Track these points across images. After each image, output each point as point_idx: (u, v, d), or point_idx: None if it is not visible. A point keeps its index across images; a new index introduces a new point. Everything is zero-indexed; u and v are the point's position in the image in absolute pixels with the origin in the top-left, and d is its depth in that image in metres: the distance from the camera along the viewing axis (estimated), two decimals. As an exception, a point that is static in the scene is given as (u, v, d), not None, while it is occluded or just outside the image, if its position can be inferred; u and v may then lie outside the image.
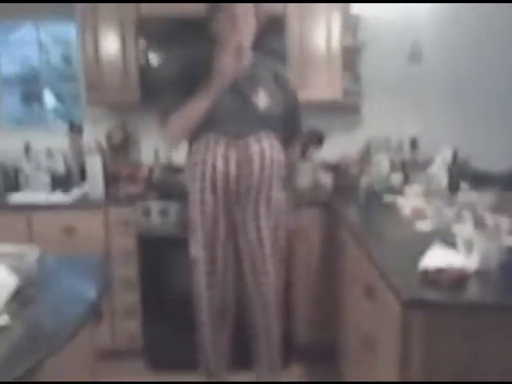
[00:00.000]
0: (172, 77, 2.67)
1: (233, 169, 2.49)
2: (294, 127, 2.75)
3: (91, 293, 1.85)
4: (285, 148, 2.68)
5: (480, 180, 2.93)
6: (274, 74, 2.63)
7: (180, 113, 2.49)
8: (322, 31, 3.31)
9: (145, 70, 3.28)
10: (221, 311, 2.72)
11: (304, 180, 3.45)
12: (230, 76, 2.42)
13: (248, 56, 2.52)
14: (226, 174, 2.50)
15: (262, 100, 2.53)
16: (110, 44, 3.35)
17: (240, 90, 2.50)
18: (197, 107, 2.47)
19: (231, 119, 2.50)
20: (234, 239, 2.63)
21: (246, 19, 2.46)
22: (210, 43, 2.54)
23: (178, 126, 2.56)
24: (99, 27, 3.33)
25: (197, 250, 2.62)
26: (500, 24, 3.56)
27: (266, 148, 2.54)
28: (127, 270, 3.22)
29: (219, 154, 2.49)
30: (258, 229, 2.59)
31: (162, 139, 2.79)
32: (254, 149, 2.51)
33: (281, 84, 2.62)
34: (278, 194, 2.66)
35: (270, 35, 3.20)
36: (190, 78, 2.50)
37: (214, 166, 2.50)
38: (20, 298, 1.68)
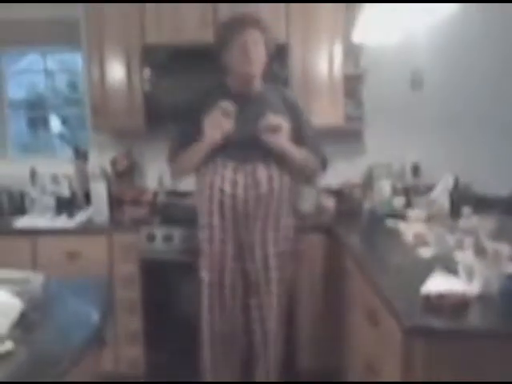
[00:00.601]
0: (182, 109, 2.73)
1: (240, 192, 2.51)
2: (310, 147, 2.72)
3: (95, 318, 1.86)
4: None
5: (481, 205, 2.95)
6: (283, 98, 2.65)
7: (185, 155, 2.59)
8: (324, 59, 3.37)
9: (150, 98, 3.33)
10: (227, 337, 2.71)
11: (307, 205, 3.47)
12: (218, 138, 2.48)
13: (258, 84, 2.59)
14: (234, 198, 2.52)
15: (271, 121, 2.53)
16: (116, 71, 3.41)
17: (249, 117, 2.51)
18: (197, 154, 2.56)
19: (240, 145, 2.51)
20: (242, 263, 2.64)
21: (257, 48, 2.49)
22: (219, 72, 2.61)
23: (183, 166, 2.67)
24: (105, 55, 3.39)
25: (205, 273, 2.64)
26: (501, 51, 3.60)
27: (275, 173, 2.56)
28: (130, 295, 3.23)
29: (227, 178, 2.52)
30: (266, 256, 2.61)
31: (169, 173, 2.87)
32: (262, 174, 2.53)
33: (290, 107, 2.64)
34: (287, 220, 2.68)
35: (274, 63, 3.25)
36: (200, 110, 2.55)
37: (221, 190, 2.52)
38: (24, 323, 1.69)
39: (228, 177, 2.52)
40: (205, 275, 2.64)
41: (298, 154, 2.63)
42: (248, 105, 2.54)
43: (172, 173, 2.81)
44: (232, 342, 2.74)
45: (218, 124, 2.47)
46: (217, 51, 2.56)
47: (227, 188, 2.52)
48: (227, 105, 2.49)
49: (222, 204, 2.54)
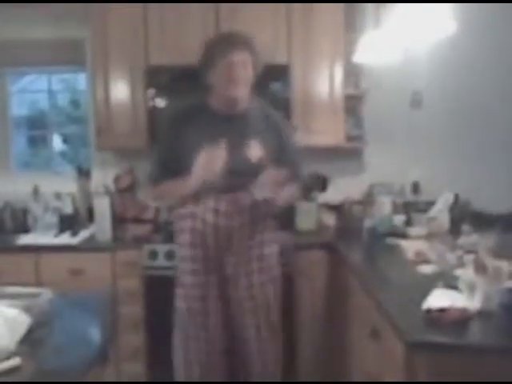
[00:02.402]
0: (161, 130, 2.65)
1: (223, 222, 2.41)
2: (290, 168, 2.47)
3: (98, 335, 1.88)
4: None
5: (481, 222, 2.98)
6: (267, 118, 2.50)
7: (169, 187, 2.47)
8: (325, 79, 3.42)
9: (153, 117, 3.37)
10: (208, 367, 2.56)
11: (307, 221, 3.49)
12: (207, 179, 2.32)
13: (243, 106, 2.44)
14: (216, 228, 2.42)
15: (253, 152, 2.39)
16: (120, 91, 3.46)
17: (231, 144, 2.33)
18: (182, 191, 2.42)
19: (221, 173, 2.35)
20: (226, 293, 2.52)
21: (244, 69, 2.35)
22: (206, 93, 2.48)
23: (165, 196, 2.62)
24: (110, 75, 3.44)
25: (183, 303, 2.53)
26: (499, 72, 3.66)
27: (259, 201, 2.43)
28: (133, 312, 3.24)
29: (209, 208, 2.41)
30: (250, 286, 2.51)
31: (149, 196, 2.87)
32: (245, 202, 2.42)
33: (273, 127, 2.49)
34: (271, 249, 2.58)
35: (275, 83, 3.31)
36: (180, 133, 2.43)
37: (203, 220, 2.42)
38: (31, 339, 1.72)
39: (210, 206, 2.41)
40: (182, 305, 2.54)
41: (289, 196, 2.52)
42: (231, 128, 2.39)
43: (153, 198, 2.81)
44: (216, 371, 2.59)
45: (210, 166, 2.29)
46: (200, 70, 2.41)
47: (209, 218, 2.41)
48: (235, 95, 2.37)
49: (204, 234, 2.43)
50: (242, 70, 2.34)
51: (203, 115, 2.43)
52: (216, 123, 2.41)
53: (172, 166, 2.44)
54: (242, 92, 2.38)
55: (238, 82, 2.34)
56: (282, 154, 2.48)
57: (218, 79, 2.36)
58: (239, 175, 2.37)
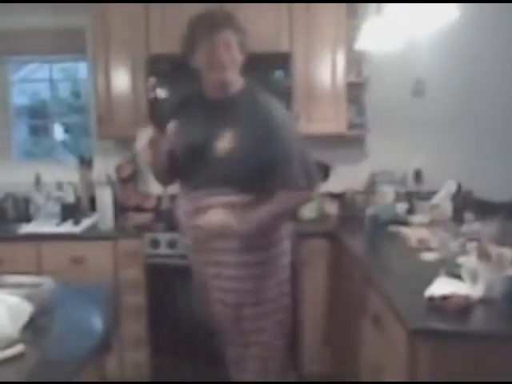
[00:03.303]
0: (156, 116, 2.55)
1: (191, 225, 2.24)
2: (281, 173, 2.15)
3: (101, 323, 1.89)
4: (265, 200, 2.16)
5: (483, 210, 2.97)
6: (255, 106, 2.19)
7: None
8: (327, 67, 3.41)
9: (154, 105, 3.36)
10: None
11: (309, 210, 3.49)
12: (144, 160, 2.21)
13: (234, 89, 2.22)
14: (189, 229, 2.29)
15: (222, 144, 2.14)
16: (121, 80, 3.45)
17: (209, 132, 2.16)
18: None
19: (189, 167, 2.22)
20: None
21: (229, 51, 2.13)
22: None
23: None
24: (111, 64, 3.43)
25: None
26: (501, 59, 3.64)
27: (236, 203, 2.17)
28: (135, 300, 3.25)
29: (181, 206, 2.31)
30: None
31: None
32: (203, 204, 2.19)
33: (259, 114, 2.16)
34: (228, 271, 2.25)
35: (277, 71, 3.29)
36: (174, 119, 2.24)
37: (179, 219, 2.34)
38: (34, 327, 1.72)
39: (181, 205, 2.29)
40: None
41: (267, 213, 2.18)
42: (217, 114, 2.20)
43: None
44: None
45: (148, 150, 2.14)
46: (184, 54, 2.22)
47: (182, 218, 2.29)
48: (222, 79, 2.16)
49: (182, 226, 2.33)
50: (226, 52, 2.13)
51: (196, 102, 2.27)
52: (207, 110, 2.24)
53: None
54: (228, 75, 2.16)
55: (222, 65, 2.13)
56: (267, 147, 2.12)
57: (202, 63, 2.15)
58: (203, 172, 2.18)
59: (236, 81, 2.22)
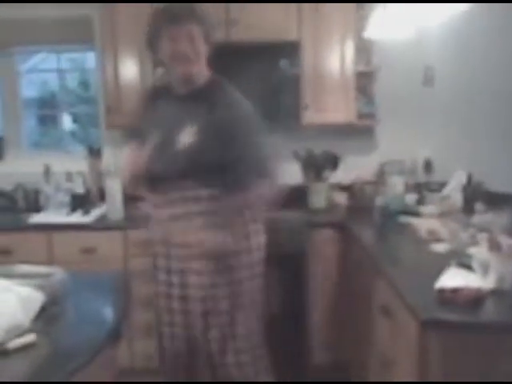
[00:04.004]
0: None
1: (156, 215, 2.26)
2: (236, 171, 2.10)
3: (112, 313, 1.90)
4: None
5: (494, 201, 2.96)
6: (218, 98, 2.17)
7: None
8: (336, 56, 3.38)
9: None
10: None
11: (318, 200, 3.49)
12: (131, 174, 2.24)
13: (200, 82, 2.18)
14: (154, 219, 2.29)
15: (186, 138, 2.13)
16: (129, 70, 3.44)
17: (172, 127, 2.16)
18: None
19: (157, 161, 2.17)
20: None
21: (191, 42, 2.10)
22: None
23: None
24: (119, 53, 3.42)
25: None
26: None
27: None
28: (145, 290, 3.25)
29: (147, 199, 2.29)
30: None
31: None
32: (171, 197, 2.18)
33: (223, 110, 2.13)
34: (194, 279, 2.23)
35: (285, 60, 3.28)
36: (144, 113, 2.33)
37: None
38: (45, 316, 1.73)
39: (149, 199, 2.26)
40: None
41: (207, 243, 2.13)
42: (181, 109, 2.18)
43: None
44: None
45: (133, 165, 2.20)
46: (148, 47, 2.21)
47: (150, 211, 2.26)
48: (187, 71, 2.14)
49: None
50: (188, 44, 2.09)
51: (164, 97, 2.24)
52: (173, 104, 2.22)
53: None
54: (193, 68, 2.13)
55: (185, 58, 2.10)
56: (226, 144, 2.09)
57: (166, 56, 2.13)
58: (168, 165, 2.14)
59: (201, 73, 2.18)
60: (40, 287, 1.77)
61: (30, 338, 1.56)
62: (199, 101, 2.16)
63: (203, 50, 2.15)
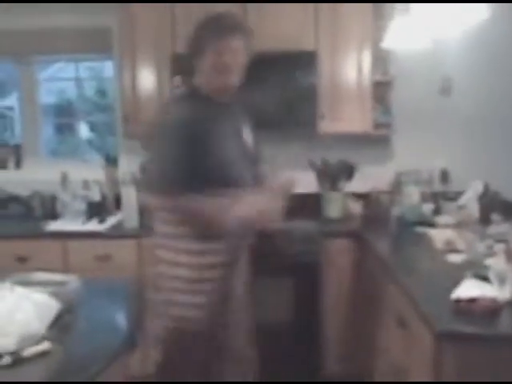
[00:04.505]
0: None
1: None
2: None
3: (126, 320, 1.91)
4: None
5: (511, 211, 2.93)
6: (243, 106, 2.28)
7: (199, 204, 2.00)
8: (353, 66, 3.38)
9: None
10: None
11: (334, 210, 3.48)
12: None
13: (233, 94, 2.20)
14: None
15: (249, 140, 2.22)
16: (146, 79, 3.47)
17: (233, 132, 2.19)
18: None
19: (244, 170, 2.19)
20: None
21: (236, 55, 2.10)
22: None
23: (185, 211, 2.07)
24: (137, 63, 3.45)
25: None
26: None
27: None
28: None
29: None
30: None
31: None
32: None
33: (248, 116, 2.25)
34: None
35: (302, 70, 3.28)
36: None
37: None
38: (60, 324, 1.74)
39: None
40: None
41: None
42: (228, 115, 2.18)
43: (161, 206, 2.10)
44: None
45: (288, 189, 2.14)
46: (189, 55, 2.19)
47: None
48: (228, 83, 2.13)
49: None
50: (231, 57, 2.10)
51: (204, 110, 2.14)
52: (219, 113, 2.17)
53: (201, 174, 2.05)
54: (233, 80, 2.14)
55: (226, 70, 2.11)
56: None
57: (208, 67, 2.12)
58: (248, 168, 2.14)
59: (238, 82, 2.19)
60: (55, 295, 1.78)
61: (44, 345, 1.57)
62: (236, 105, 2.25)
63: (244, 61, 2.16)
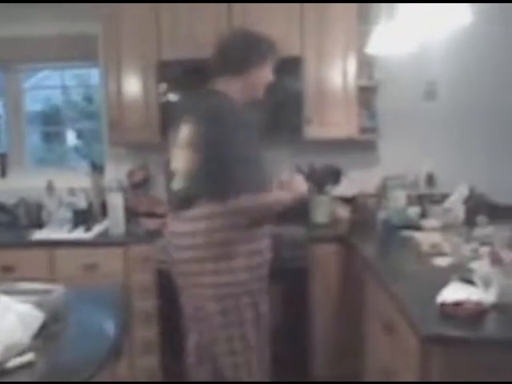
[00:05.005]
0: None
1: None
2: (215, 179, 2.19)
3: (112, 329, 1.89)
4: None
5: (496, 213, 2.95)
6: (219, 119, 2.24)
7: (251, 201, 2.18)
8: (338, 71, 3.39)
9: (165, 111, 3.37)
10: None
11: (321, 214, 3.48)
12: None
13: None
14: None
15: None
16: (132, 86, 3.46)
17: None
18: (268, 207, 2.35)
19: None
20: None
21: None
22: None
23: (244, 210, 2.22)
24: (122, 70, 3.44)
25: None
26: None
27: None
28: (146, 306, 3.25)
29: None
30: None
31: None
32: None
33: (219, 129, 2.20)
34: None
35: (288, 75, 3.29)
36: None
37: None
38: (45, 334, 1.72)
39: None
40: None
41: None
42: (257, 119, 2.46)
43: (231, 212, 2.20)
44: None
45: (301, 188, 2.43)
46: (240, 60, 2.36)
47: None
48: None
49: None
50: (271, 76, 2.46)
51: (249, 115, 2.40)
52: (251, 116, 2.42)
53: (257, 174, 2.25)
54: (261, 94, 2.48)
55: (264, 87, 2.45)
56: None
57: (256, 79, 2.39)
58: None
59: None
60: (40, 304, 1.76)
61: (28, 356, 1.55)
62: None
63: None
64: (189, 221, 2.24)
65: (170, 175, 2.33)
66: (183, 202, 2.25)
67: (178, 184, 2.27)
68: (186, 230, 2.25)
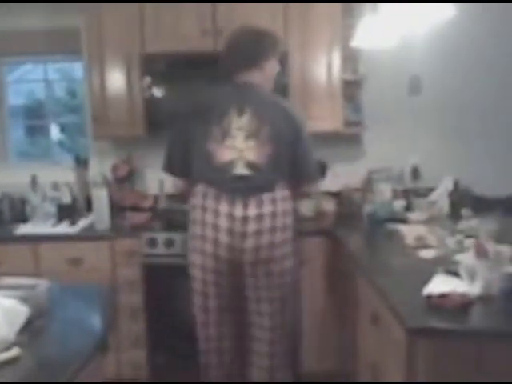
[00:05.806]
0: (178, 118, 2.69)
1: (238, 229, 2.43)
2: (302, 165, 2.64)
3: (98, 324, 1.88)
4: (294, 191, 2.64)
5: (481, 206, 2.97)
6: (282, 109, 2.57)
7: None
8: (322, 65, 3.39)
9: (150, 105, 3.35)
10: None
11: (306, 208, 3.48)
12: None
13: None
14: (231, 235, 2.44)
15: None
16: (116, 80, 3.42)
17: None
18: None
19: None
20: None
21: None
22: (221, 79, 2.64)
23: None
24: (105, 63, 3.41)
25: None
26: (498, 55, 3.63)
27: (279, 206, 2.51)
28: (133, 300, 3.24)
29: (222, 213, 2.43)
30: (258, 299, 2.57)
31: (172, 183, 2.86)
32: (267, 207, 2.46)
33: (288, 119, 2.54)
34: (287, 262, 2.57)
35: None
36: (195, 120, 2.56)
37: (216, 226, 2.43)
38: (30, 329, 1.71)
39: (223, 211, 2.43)
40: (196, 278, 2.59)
41: None
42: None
43: (174, 185, 2.83)
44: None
45: None
46: (256, 56, 2.60)
47: (223, 223, 2.43)
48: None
49: (216, 243, 2.45)
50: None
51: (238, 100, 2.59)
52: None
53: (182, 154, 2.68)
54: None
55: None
56: (293, 149, 2.64)
57: (272, 70, 2.67)
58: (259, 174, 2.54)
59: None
60: (24, 299, 1.75)
61: (14, 352, 1.54)
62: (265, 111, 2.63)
63: None
64: (270, 202, 2.46)
65: (223, 163, 2.46)
66: (259, 187, 2.44)
67: (244, 170, 2.45)
68: (263, 212, 2.43)
